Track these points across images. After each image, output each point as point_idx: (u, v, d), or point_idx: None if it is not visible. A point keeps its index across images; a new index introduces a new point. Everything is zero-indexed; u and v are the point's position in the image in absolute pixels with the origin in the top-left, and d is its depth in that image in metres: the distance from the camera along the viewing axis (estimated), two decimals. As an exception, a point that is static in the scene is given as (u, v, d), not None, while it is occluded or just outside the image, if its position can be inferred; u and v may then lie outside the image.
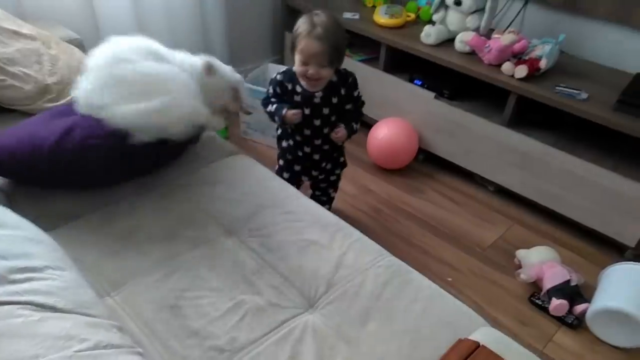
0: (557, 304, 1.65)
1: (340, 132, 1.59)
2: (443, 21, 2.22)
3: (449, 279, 1.81)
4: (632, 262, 1.67)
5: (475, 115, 2.11)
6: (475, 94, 2.21)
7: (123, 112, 1.27)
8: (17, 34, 1.59)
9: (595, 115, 1.77)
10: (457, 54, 2.13)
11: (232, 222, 1.31)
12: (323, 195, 1.87)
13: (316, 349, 1.01)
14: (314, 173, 1.76)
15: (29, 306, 0.74)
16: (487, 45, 2.01)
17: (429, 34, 2.16)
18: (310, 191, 1.89)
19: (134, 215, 1.29)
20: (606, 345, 1.61)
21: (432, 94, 2.22)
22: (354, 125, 1.63)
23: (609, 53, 2.08)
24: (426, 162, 2.40)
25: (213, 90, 1.47)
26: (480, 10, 2.13)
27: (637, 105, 1.73)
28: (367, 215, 2.08)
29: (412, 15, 2.39)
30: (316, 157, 1.69)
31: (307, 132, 1.61)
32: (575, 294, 1.70)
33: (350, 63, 2.40)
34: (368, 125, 2.34)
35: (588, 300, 1.68)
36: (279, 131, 1.71)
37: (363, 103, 1.65)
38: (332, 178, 1.83)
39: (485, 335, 1.05)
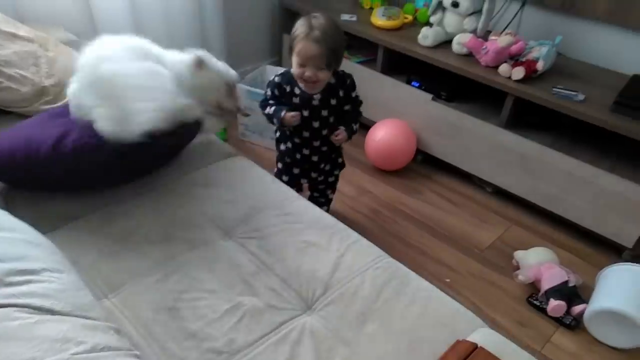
0: (555, 305, 1.65)
1: (340, 134, 1.59)
2: (440, 23, 2.23)
3: (447, 280, 1.81)
4: (629, 263, 1.68)
5: (472, 116, 2.11)
6: (472, 96, 2.22)
7: (99, 113, 1.24)
8: (14, 36, 1.59)
9: (593, 116, 1.78)
10: (455, 55, 2.13)
11: (230, 223, 1.31)
12: (321, 196, 1.88)
13: (314, 351, 1.01)
14: (313, 175, 1.76)
15: (26, 309, 0.74)
16: (484, 47, 2.02)
17: (427, 36, 2.16)
18: (308, 193, 1.89)
19: (131, 217, 1.29)
20: (604, 346, 1.61)
21: (429, 96, 2.23)
22: (354, 126, 1.63)
23: (606, 54, 2.09)
24: (424, 164, 2.40)
25: (205, 86, 1.41)
26: (477, 12, 2.13)
27: (633, 106, 1.74)
28: (365, 217, 2.08)
29: (410, 17, 2.39)
30: (315, 158, 1.69)
31: (306, 134, 1.62)
32: (573, 294, 1.70)
33: (348, 65, 2.40)
34: (366, 126, 2.35)
35: (586, 301, 1.68)
36: (278, 134, 1.71)
37: (361, 103, 1.66)
38: (331, 180, 1.83)
39: (483, 336, 1.06)
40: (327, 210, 1.86)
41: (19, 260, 0.82)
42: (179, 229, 1.27)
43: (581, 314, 1.65)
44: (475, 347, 0.99)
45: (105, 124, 1.24)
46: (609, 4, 1.95)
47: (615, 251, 1.94)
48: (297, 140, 1.64)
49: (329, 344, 1.03)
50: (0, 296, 0.74)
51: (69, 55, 1.70)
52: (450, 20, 2.19)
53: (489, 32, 2.15)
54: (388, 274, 1.19)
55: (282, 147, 1.71)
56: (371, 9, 2.49)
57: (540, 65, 1.91)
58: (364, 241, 1.31)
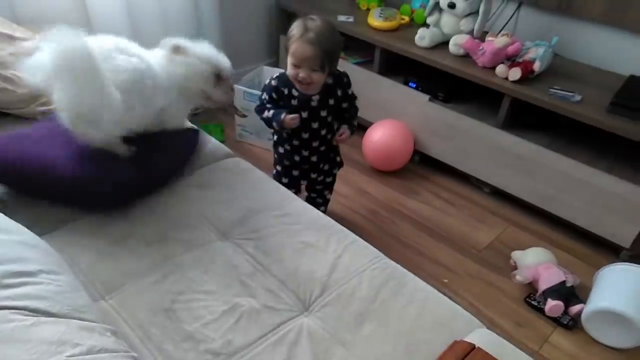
0: (553, 305, 1.65)
1: (344, 133, 1.61)
2: (437, 24, 2.23)
3: (445, 281, 1.81)
4: (627, 263, 1.68)
5: (469, 117, 2.11)
6: (469, 97, 2.22)
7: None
8: (10, 37, 1.59)
9: (589, 117, 1.78)
10: (451, 56, 2.14)
11: (227, 224, 1.31)
12: (319, 197, 1.88)
13: (311, 352, 1.01)
14: (313, 175, 1.76)
15: (22, 311, 0.74)
16: (480, 47, 2.02)
17: (423, 37, 2.16)
18: (305, 194, 1.89)
19: (128, 218, 1.28)
20: (602, 346, 1.62)
21: (426, 97, 2.23)
22: (354, 122, 1.65)
23: (602, 55, 2.09)
24: (421, 164, 2.41)
25: (187, 75, 1.33)
26: (474, 13, 2.14)
27: (630, 107, 1.74)
28: (362, 217, 2.08)
29: (406, 18, 2.40)
30: (314, 159, 1.69)
31: (305, 135, 1.62)
32: (571, 295, 1.70)
33: (345, 66, 2.40)
34: (363, 127, 2.35)
35: (583, 301, 1.68)
36: (275, 137, 1.71)
37: (356, 98, 1.66)
38: (328, 180, 1.83)
39: (480, 337, 1.06)
40: (325, 211, 1.86)
41: (15, 262, 0.82)
42: (176, 230, 1.26)
43: (579, 314, 1.65)
44: (472, 347, 0.99)
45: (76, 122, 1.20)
46: (604, 4, 1.95)
47: (612, 251, 1.95)
48: (296, 142, 1.64)
49: (327, 345, 1.03)
50: (-4, 298, 0.73)
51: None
52: (447, 21, 2.20)
53: (485, 33, 2.16)
54: (385, 275, 1.19)
55: (280, 149, 1.71)
56: (368, 10, 2.49)
57: (536, 66, 1.91)
58: (362, 242, 1.31)
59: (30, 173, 1.24)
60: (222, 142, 1.98)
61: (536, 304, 1.72)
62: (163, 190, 1.39)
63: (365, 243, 1.31)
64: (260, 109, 1.60)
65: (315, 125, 1.59)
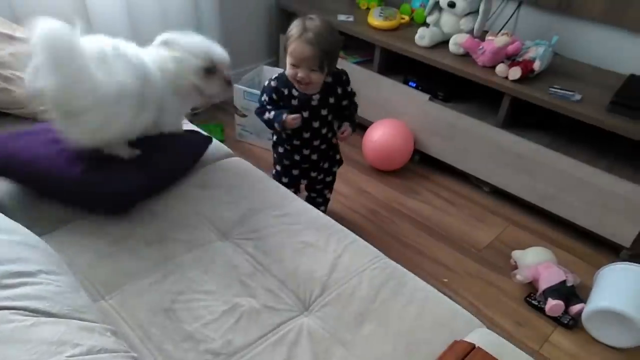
0: (553, 305, 1.65)
1: (346, 130, 1.61)
2: (437, 23, 2.23)
3: (445, 280, 1.81)
4: (627, 263, 1.68)
5: (469, 116, 2.11)
6: (469, 96, 2.22)
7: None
8: (11, 37, 1.59)
9: (589, 116, 1.78)
10: (451, 55, 2.14)
11: (227, 224, 1.31)
12: (319, 196, 1.88)
13: (311, 352, 1.01)
14: (313, 174, 1.76)
15: (21, 311, 0.74)
16: (480, 47, 2.02)
17: (423, 36, 2.16)
18: (305, 194, 1.89)
19: (128, 218, 1.28)
20: (602, 345, 1.62)
21: (426, 96, 2.23)
22: (354, 119, 1.65)
23: (602, 54, 2.09)
24: (421, 163, 2.41)
25: (177, 71, 1.28)
26: (474, 13, 2.14)
27: (630, 106, 1.74)
28: (362, 217, 2.08)
29: (406, 18, 2.39)
30: (314, 157, 1.69)
31: (307, 135, 1.62)
32: (571, 294, 1.70)
33: (345, 65, 2.39)
34: (363, 127, 2.35)
35: (584, 300, 1.68)
36: (275, 137, 1.71)
37: (355, 94, 1.66)
38: (328, 179, 1.83)
39: (480, 336, 1.06)
40: (325, 211, 1.86)
41: (15, 262, 0.82)
42: (176, 230, 1.26)
43: (579, 313, 1.65)
44: (472, 347, 0.99)
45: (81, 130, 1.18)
46: (604, 4, 1.95)
47: (613, 250, 1.95)
48: (296, 142, 1.64)
49: (327, 345, 1.03)
50: (-5, 299, 0.73)
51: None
52: (447, 20, 2.19)
53: (485, 33, 2.16)
54: (385, 275, 1.19)
55: (280, 149, 1.71)
56: (368, 9, 2.49)
57: (536, 65, 1.91)
58: (361, 242, 1.31)
59: (37, 171, 1.24)
60: (222, 142, 1.98)
61: (536, 303, 1.72)
62: (163, 191, 1.39)
63: (365, 243, 1.31)
64: (260, 111, 1.59)
65: (316, 124, 1.59)
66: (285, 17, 2.63)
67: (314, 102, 1.55)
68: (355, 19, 2.40)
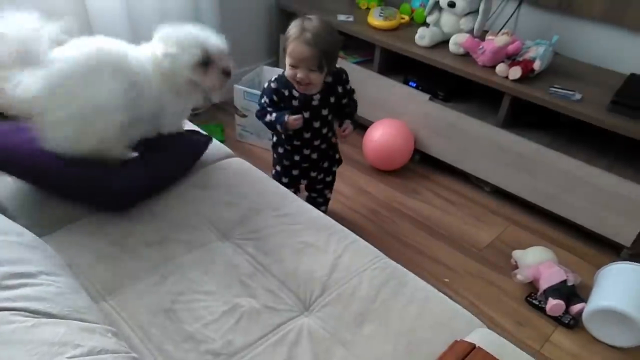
0: (554, 304, 1.65)
1: (347, 128, 1.61)
2: (437, 23, 2.23)
3: (446, 280, 1.81)
4: (628, 262, 1.68)
5: (470, 116, 2.11)
6: (469, 96, 2.22)
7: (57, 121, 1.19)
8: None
9: (590, 116, 1.78)
10: (452, 55, 2.14)
11: (227, 225, 1.31)
12: (319, 196, 1.88)
13: (312, 352, 1.01)
14: (313, 174, 1.76)
15: (22, 312, 0.74)
16: (481, 46, 2.02)
17: (423, 36, 2.16)
18: (305, 194, 1.89)
19: (128, 219, 1.28)
20: (603, 345, 1.61)
21: (426, 96, 2.23)
22: (354, 117, 1.66)
23: (603, 54, 2.09)
24: (422, 163, 2.40)
25: (173, 68, 1.26)
26: (474, 12, 2.14)
27: (630, 105, 1.74)
28: (362, 217, 2.08)
29: (406, 18, 2.39)
30: (314, 156, 1.69)
31: (307, 135, 1.62)
32: (572, 294, 1.70)
33: (345, 65, 2.39)
34: (363, 126, 2.34)
35: (584, 300, 1.68)
36: (275, 138, 1.71)
37: (354, 91, 1.66)
38: (328, 179, 1.83)
39: (481, 336, 1.06)
40: (325, 211, 1.86)
41: (15, 263, 0.82)
42: (176, 230, 1.26)
43: (580, 313, 1.65)
44: (473, 347, 0.99)
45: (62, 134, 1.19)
46: (605, 3, 1.95)
47: (613, 250, 1.95)
48: (297, 142, 1.64)
49: (327, 345, 1.03)
50: (-4, 300, 0.73)
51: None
52: (447, 20, 2.19)
53: (485, 32, 2.15)
54: (386, 275, 1.19)
55: (280, 150, 1.71)
56: (368, 9, 2.49)
57: (537, 65, 1.91)
58: (362, 242, 1.31)
59: (38, 165, 1.24)
60: (222, 142, 1.98)
61: (537, 303, 1.72)
62: (163, 191, 1.39)
63: (366, 243, 1.31)
64: (261, 114, 1.59)
65: (316, 124, 1.59)
66: (285, 17, 2.62)
67: (315, 102, 1.55)
68: (355, 19, 2.40)
